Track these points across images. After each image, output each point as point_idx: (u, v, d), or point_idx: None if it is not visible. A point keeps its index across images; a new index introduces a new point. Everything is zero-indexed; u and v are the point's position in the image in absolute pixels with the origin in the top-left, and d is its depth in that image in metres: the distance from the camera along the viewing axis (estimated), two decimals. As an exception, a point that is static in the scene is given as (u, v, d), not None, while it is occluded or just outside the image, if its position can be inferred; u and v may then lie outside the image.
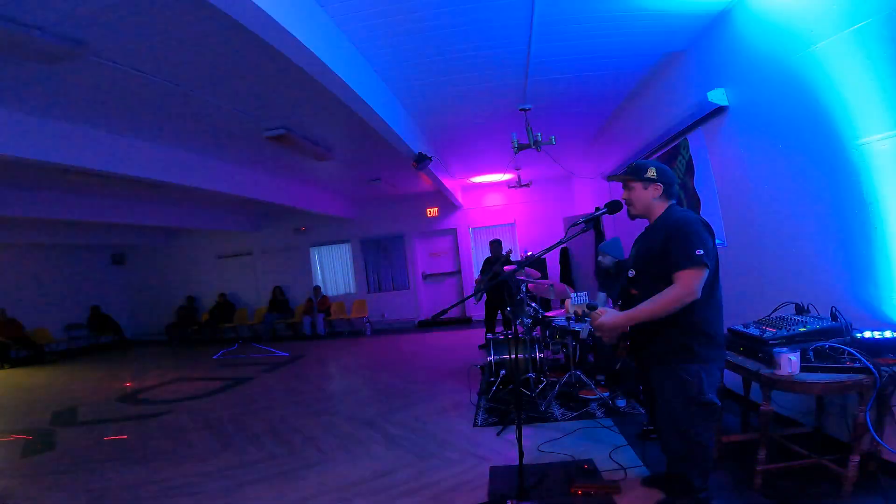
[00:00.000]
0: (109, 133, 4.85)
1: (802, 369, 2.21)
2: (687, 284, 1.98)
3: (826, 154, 2.56)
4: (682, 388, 2.09)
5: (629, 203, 2.32)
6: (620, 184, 2.37)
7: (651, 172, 2.23)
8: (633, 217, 2.36)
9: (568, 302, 2.31)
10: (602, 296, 3.11)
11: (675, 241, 2.05)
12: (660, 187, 2.23)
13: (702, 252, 1.98)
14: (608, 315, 2.20)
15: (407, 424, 4.07)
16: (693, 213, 2.20)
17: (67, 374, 8.36)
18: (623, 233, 6.57)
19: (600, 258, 4.19)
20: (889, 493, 2.24)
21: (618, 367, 4.43)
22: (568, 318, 4.31)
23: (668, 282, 2.04)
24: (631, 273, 2.32)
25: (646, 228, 2.36)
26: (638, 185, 2.27)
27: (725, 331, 2.59)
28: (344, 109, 3.80)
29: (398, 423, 4.11)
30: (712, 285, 2.10)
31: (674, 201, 2.28)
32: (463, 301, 3.93)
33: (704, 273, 2.00)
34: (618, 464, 2.90)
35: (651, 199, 2.25)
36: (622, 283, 2.46)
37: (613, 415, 3.77)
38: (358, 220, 11.06)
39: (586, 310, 2.24)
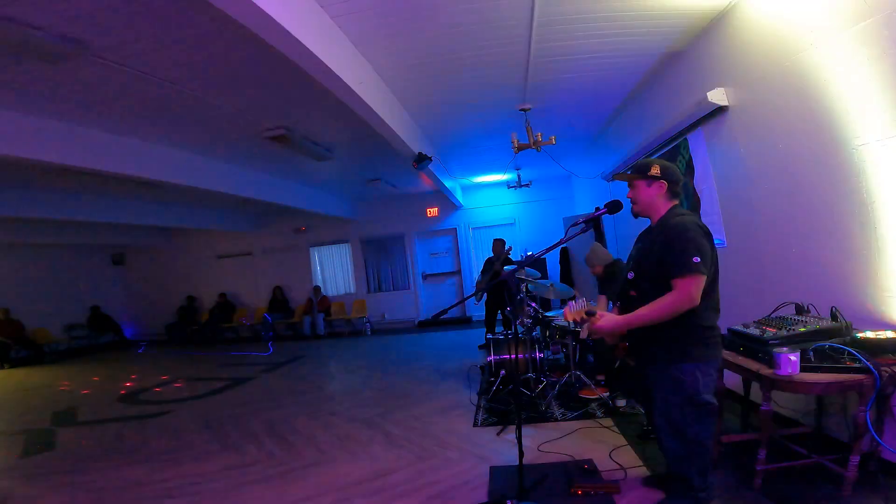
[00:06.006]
0: (109, 133, 4.84)
1: (802, 369, 2.20)
2: (685, 292, 1.98)
3: (826, 154, 2.56)
4: (677, 389, 2.09)
5: (633, 201, 2.29)
6: (625, 182, 2.35)
7: (655, 170, 2.20)
8: (636, 215, 2.34)
9: (566, 311, 2.26)
10: (603, 298, 3.11)
11: (673, 248, 2.04)
12: (664, 185, 2.20)
13: (699, 259, 1.97)
14: (605, 319, 2.18)
15: (407, 424, 4.07)
16: (691, 218, 2.16)
17: (67, 374, 8.36)
18: (622, 232, 6.58)
19: (591, 271, 4.20)
20: (889, 493, 2.23)
21: (616, 365, 4.43)
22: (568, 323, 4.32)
23: (666, 285, 2.03)
24: (630, 275, 2.29)
25: (647, 228, 2.34)
26: (641, 183, 2.23)
27: (725, 331, 2.60)
28: (344, 109, 3.80)
29: (398, 423, 4.11)
30: (710, 287, 2.08)
31: (678, 201, 2.25)
32: (463, 301, 3.94)
33: (702, 280, 1.99)
34: (618, 464, 2.90)
35: (655, 196, 2.22)
36: (619, 283, 2.45)
37: (613, 415, 3.76)
38: (358, 220, 11.05)
39: (584, 316, 2.21)
